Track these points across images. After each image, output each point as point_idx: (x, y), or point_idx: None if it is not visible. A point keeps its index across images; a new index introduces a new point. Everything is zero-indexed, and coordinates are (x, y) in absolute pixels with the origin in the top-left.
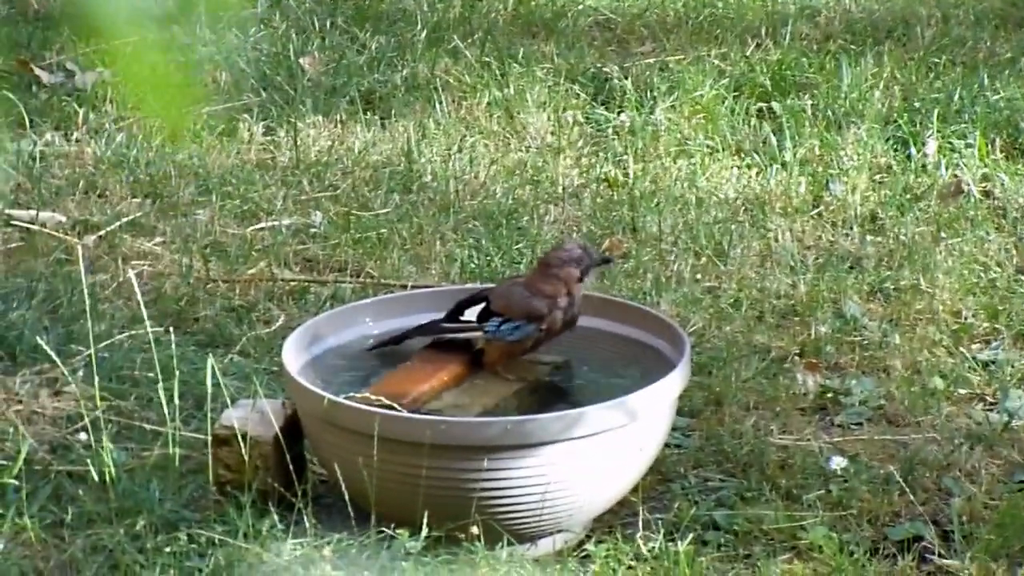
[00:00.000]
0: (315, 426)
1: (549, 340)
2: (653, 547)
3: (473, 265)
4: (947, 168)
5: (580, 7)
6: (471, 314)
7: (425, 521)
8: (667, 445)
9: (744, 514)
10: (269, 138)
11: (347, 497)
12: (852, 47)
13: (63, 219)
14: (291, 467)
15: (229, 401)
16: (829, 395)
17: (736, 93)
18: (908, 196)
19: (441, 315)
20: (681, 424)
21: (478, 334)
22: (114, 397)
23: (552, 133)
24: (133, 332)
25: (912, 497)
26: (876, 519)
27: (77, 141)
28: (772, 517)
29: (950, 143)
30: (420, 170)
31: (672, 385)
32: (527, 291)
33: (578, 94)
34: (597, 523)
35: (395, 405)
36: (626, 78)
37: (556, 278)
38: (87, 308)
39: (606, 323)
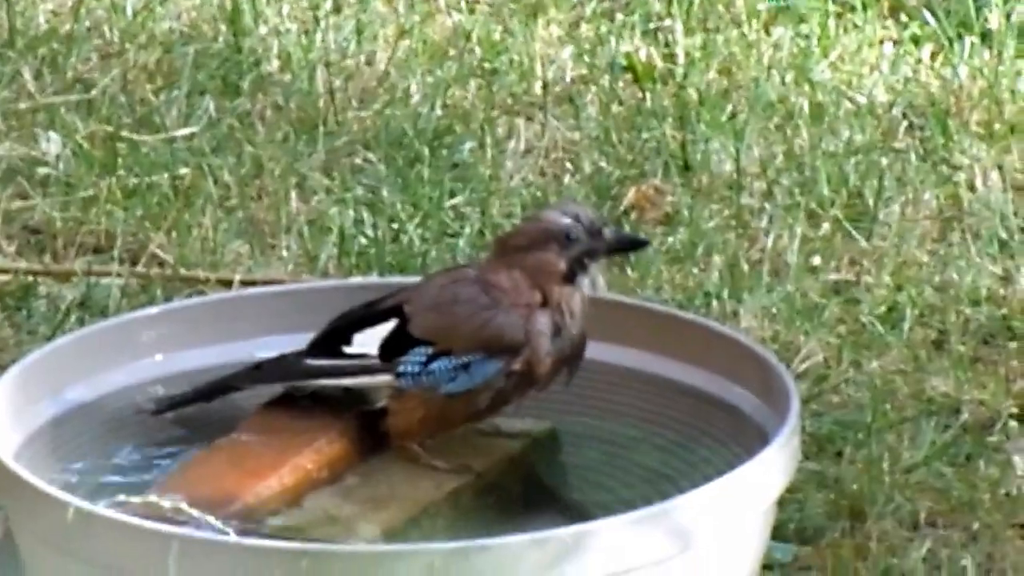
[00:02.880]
0: (49, 558)
1: (524, 395)
2: None
3: (364, 240)
4: None
5: None
6: (365, 342)
7: None
8: None
9: None
10: None
11: None
12: None
13: None
14: None
15: None
16: None
17: None
18: None
19: (302, 342)
20: (784, 557)
21: (383, 379)
22: None
23: None
24: None
25: None
26: None
27: None
28: None
29: None
30: (257, 50)
31: (763, 478)
32: (484, 295)
33: None
34: None
35: (208, 519)
36: None
37: (526, 272)
38: None
39: (631, 355)
